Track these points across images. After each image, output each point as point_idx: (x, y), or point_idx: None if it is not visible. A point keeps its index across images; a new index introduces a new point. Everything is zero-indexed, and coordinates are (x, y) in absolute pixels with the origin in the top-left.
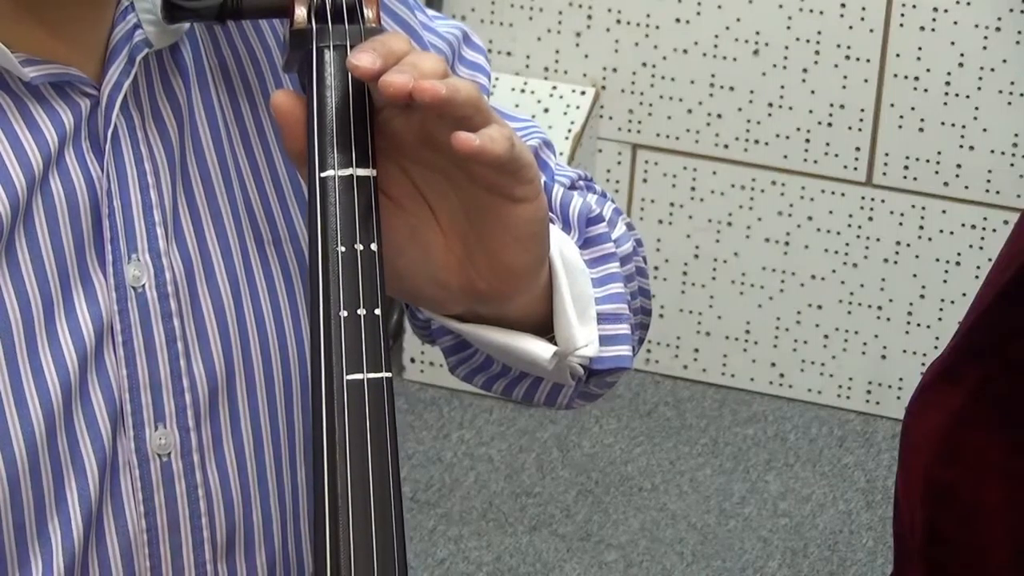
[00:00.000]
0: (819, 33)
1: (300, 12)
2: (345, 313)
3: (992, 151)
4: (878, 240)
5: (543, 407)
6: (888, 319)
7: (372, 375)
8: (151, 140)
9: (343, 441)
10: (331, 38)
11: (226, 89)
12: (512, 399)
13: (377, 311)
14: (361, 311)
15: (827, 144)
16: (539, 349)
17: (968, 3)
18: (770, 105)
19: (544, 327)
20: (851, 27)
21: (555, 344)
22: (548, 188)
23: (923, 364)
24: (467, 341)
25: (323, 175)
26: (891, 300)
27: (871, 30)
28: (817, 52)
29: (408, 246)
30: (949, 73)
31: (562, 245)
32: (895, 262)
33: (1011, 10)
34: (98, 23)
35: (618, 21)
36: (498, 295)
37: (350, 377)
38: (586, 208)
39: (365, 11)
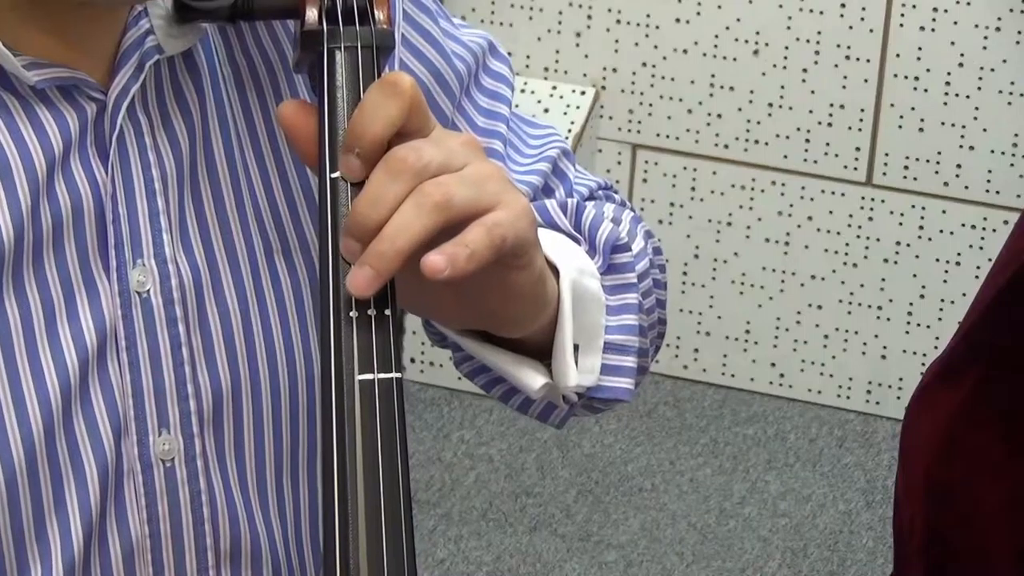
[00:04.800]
0: (819, 33)
1: (311, 13)
2: (356, 313)
3: (992, 151)
4: (878, 240)
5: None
6: (888, 319)
7: (383, 375)
8: (160, 146)
9: (353, 441)
10: (342, 39)
11: (239, 97)
12: (509, 406)
13: (387, 311)
14: (371, 311)
15: (827, 144)
16: (529, 379)
17: (968, 3)
18: (770, 105)
19: (549, 348)
20: (851, 27)
21: (550, 372)
22: (580, 209)
23: (923, 364)
24: None
25: (333, 175)
26: (891, 300)
27: (871, 30)
28: (817, 52)
29: (408, 275)
30: (949, 73)
31: (580, 275)
32: (895, 262)
33: (1011, 10)
34: (109, 28)
35: (618, 21)
36: (492, 330)
37: (361, 377)
38: (614, 235)
39: (376, 12)
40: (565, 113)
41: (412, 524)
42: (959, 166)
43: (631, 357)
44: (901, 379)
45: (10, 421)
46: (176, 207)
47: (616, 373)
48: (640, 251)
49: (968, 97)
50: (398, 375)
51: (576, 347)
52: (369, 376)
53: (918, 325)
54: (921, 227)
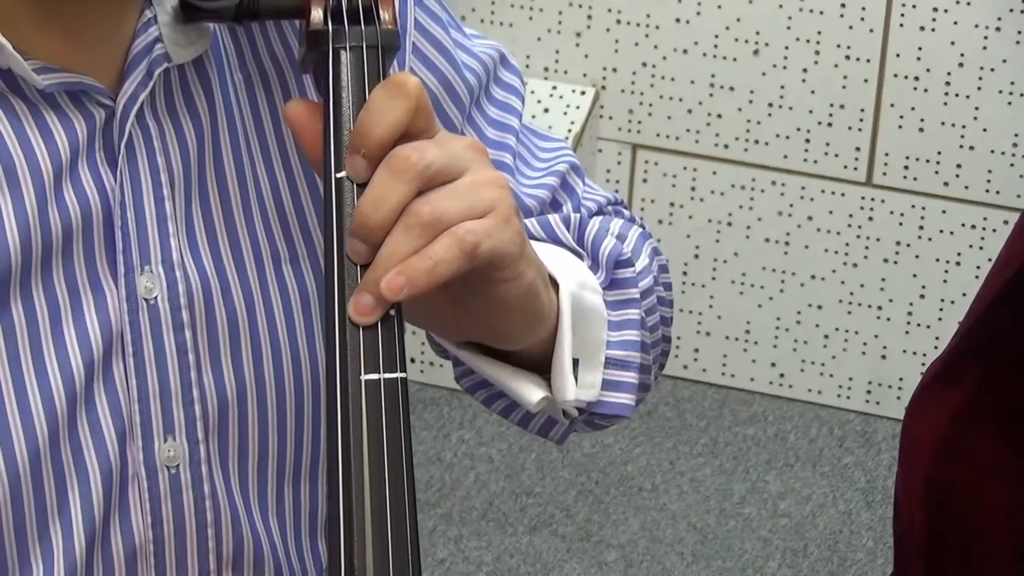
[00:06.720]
0: (819, 33)
1: (316, 13)
2: None
3: (992, 151)
4: (878, 240)
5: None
6: (888, 319)
7: (388, 375)
8: (169, 152)
9: (359, 441)
10: (347, 39)
11: (249, 103)
12: (509, 421)
13: (392, 311)
14: None
15: (827, 144)
16: (528, 393)
17: (968, 3)
18: (770, 105)
19: (549, 362)
20: (851, 27)
21: (550, 387)
22: (583, 224)
23: (923, 364)
24: None
25: (339, 175)
26: (891, 300)
27: (871, 30)
28: (817, 52)
29: None
30: (949, 73)
31: (580, 288)
32: (895, 262)
33: (1011, 10)
34: (118, 34)
35: (618, 21)
36: (489, 343)
37: (367, 377)
38: (617, 251)
39: (381, 12)
40: (565, 113)
41: (417, 524)
42: (959, 166)
43: (632, 373)
44: (901, 379)
45: (14, 424)
46: (183, 212)
47: (617, 389)
48: (644, 268)
49: (968, 97)
50: (403, 375)
51: (577, 362)
52: (375, 376)
53: (918, 325)
54: (921, 227)
